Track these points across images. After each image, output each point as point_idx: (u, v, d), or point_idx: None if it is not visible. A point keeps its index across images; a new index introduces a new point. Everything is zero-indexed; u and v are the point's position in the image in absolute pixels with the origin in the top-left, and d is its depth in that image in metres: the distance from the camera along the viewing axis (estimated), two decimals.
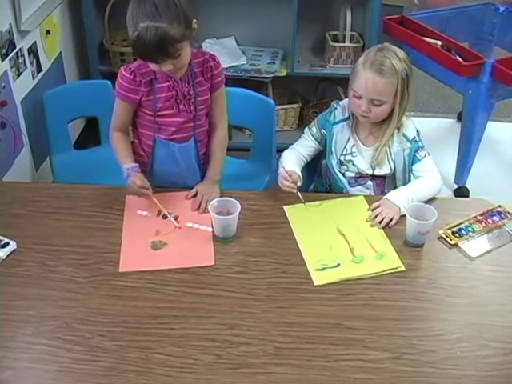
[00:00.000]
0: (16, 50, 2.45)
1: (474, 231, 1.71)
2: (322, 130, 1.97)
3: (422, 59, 2.93)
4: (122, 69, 1.76)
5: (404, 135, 1.89)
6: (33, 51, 2.62)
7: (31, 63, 2.61)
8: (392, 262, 1.61)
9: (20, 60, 2.49)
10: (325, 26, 3.32)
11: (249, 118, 2.34)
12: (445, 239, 1.69)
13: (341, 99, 2.02)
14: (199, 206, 1.79)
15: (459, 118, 3.67)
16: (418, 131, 1.91)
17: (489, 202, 1.83)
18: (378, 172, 1.93)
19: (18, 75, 2.49)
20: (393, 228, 1.73)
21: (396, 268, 1.59)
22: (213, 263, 1.60)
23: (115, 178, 1.81)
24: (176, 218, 1.75)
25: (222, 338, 1.39)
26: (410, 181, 1.93)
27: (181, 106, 1.78)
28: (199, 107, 1.81)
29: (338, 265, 1.60)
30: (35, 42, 2.63)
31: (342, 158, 1.94)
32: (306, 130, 2.03)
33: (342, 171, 1.96)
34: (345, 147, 1.94)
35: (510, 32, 3.35)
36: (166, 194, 1.85)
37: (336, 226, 1.74)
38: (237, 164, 2.39)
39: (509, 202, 1.84)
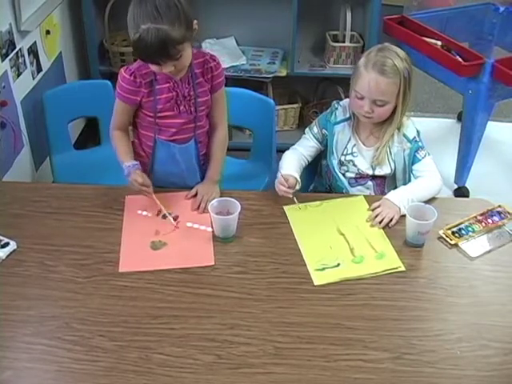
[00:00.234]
0: (16, 50, 2.45)
1: (473, 231, 1.71)
2: (323, 130, 1.97)
3: (421, 59, 2.93)
4: (122, 70, 1.76)
5: (404, 135, 1.89)
6: (33, 51, 2.62)
7: (31, 63, 2.61)
8: (392, 262, 1.61)
9: (20, 60, 2.49)
10: (325, 26, 3.32)
11: (249, 118, 2.34)
12: (445, 239, 1.69)
13: (341, 99, 2.02)
14: (199, 206, 1.79)
15: (459, 118, 3.67)
16: (418, 131, 1.91)
17: (489, 202, 1.83)
18: (378, 172, 1.93)
19: (18, 75, 2.49)
20: (393, 228, 1.73)
21: (396, 268, 1.59)
22: (213, 263, 1.60)
23: (115, 177, 1.81)
24: (176, 218, 1.75)
25: (222, 337, 1.39)
26: (410, 181, 1.93)
27: (181, 107, 1.78)
28: (199, 108, 1.81)
29: (338, 265, 1.60)
30: (35, 42, 2.64)
31: (342, 158, 1.94)
32: (307, 130, 2.03)
33: (343, 171, 1.96)
34: (346, 147, 1.94)
35: (510, 32, 3.35)
36: (166, 194, 1.84)
37: (336, 226, 1.74)
38: (237, 164, 2.39)
39: (509, 202, 1.84)
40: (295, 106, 3.45)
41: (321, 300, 1.50)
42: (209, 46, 3.24)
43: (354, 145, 1.93)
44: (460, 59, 2.84)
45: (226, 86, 1.87)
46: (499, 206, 1.80)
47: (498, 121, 3.70)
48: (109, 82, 2.47)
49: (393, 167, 1.92)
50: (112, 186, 1.88)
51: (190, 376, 1.30)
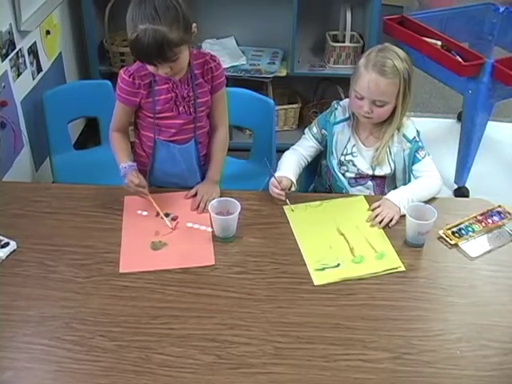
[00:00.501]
0: (16, 50, 2.45)
1: (473, 231, 1.71)
2: (323, 130, 1.97)
3: (421, 59, 2.93)
4: (121, 72, 1.76)
5: (404, 135, 1.89)
6: (33, 51, 2.62)
7: (31, 63, 2.61)
8: (392, 262, 1.61)
9: (20, 60, 2.49)
10: (325, 25, 3.32)
11: (249, 118, 2.34)
12: (445, 239, 1.69)
13: (341, 99, 2.02)
14: (198, 206, 1.79)
15: (459, 118, 3.67)
16: (417, 131, 1.91)
17: (489, 202, 1.83)
18: (378, 172, 1.93)
19: (18, 75, 2.49)
20: (393, 228, 1.73)
21: (396, 268, 1.59)
22: (213, 263, 1.60)
23: (115, 178, 1.81)
24: (175, 219, 1.75)
25: (222, 338, 1.39)
26: (409, 181, 1.93)
27: (180, 108, 1.78)
28: (199, 109, 1.81)
29: (338, 265, 1.60)
30: (35, 42, 2.64)
31: (342, 158, 1.94)
32: (307, 130, 2.03)
33: (342, 171, 1.96)
34: (345, 147, 1.94)
35: (510, 32, 3.35)
36: (166, 194, 1.85)
37: (336, 225, 1.74)
38: (237, 164, 2.39)
39: (509, 202, 1.84)
40: (295, 106, 3.45)
41: (321, 300, 1.50)
42: (209, 46, 3.24)
43: (354, 145, 1.93)
44: (460, 59, 2.84)
45: (226, 86, 1.87)
46: (499, 206, 1.80)
47: (498, 121, 3.70)
48: (109, 82, 2.46)
49: (393, 167, 1.92)
50: (112, 186, 1.88)
51: (189, 376, 1.30)
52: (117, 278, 1.55)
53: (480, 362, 1.35)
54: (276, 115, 3.14)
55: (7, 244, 1.62)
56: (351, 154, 1.93)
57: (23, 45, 2.52)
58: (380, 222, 1.74)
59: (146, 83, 1.74)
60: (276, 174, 1.84)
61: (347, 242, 1.68)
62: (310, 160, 2.02)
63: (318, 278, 1.56)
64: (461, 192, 3.11)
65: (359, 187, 1.96)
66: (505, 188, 3.13)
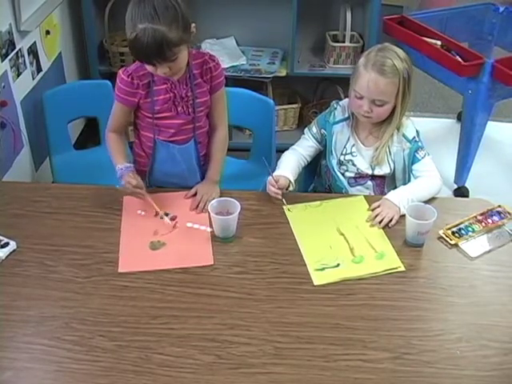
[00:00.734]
0: (16, 50, 2.45)
1: (473, 231, 1.71)
2: (322, 130, 1.97)
3: (421, 59, 2.93)
4: (120, 72, 1.76)
5: (404, 135, 1.89)
6: (33, 51, 2.62)
7: (31, 63, 2.61)
8: (392, 262, 1.61)
9: (20, 60, 2.49)
10: (325, 26, 3.32)
11: (249, 118, 2.34)
12: (445, 239, 1.69)
13: (340, 99, 2.02)
14: (197, 206, 1.79)
15: (459, 118, 3.67)
16: (417, 131, 1.91)
17: (489, 202, 1.83)
18: (377, 172, 1.93)
19: (18, 75, 2.49)
20: (393, 228, 1.73)
21: (396, 268, 1.59)
22: (211, 263, 1.60)
23: (115, 178, 1.81)
24: (174, 218, 1.75)
25: (222, 338, 1.39)
26: (409, 181, 1.93)
27: (179, 108, 1.78)
28: (198, 109, 1.80)
29: (338, 265, 1.60)
30: (35, 42, 2.64)
31: (341, 157, 1.94)
32: (306, 130, 2.03)
33: (342, 171, 1.96)
34: (345, 147, 1.94)
35: (510, 32, 3.35)
36: (165, 194, 1.85)
37: (336, 225, 1.74)
38: (237, 164, 2.39)
39: (509, 202, 1.84)
40: (295, 106, 3.45)
41: (320, 300, 1.50)
42: (209, 46, 3.24)
43: (353, 145, 1.93)
44: (460, 59, 2.84)
45: (225, 86, 1.87)
46: (499, 206, 1.80)
47: (498, 121, 3.70)
48: (109, 82, 2.46)
49: (392, 167, 1.92)
50: (112, 187, 1.87)
51: (189, 376, 1.30)
52: (116, 277, 1.55)
53: (480, 362, 1.35)
54: (276, 115, 3.14)
55: (7, 244, 1.62)
56: (351, 153, 1.93)
57: (23, 45, 2.52)
58: (380, 222, 1.74)
59: (145, 83, 1.74)
60: (274, 173, 1.84)
61: (347, 241, 1.68)
62: (309, 160, 2.02)
63: (318, 278, 1.56)
64: (461, 192, 3.11)
65: (359, 187, 1.96)
66: (505, 188, 3.13)
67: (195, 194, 1.83)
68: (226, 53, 3.23)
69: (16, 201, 1.81)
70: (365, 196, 1.88)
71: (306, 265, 1.60)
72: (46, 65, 2.78)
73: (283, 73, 3.22)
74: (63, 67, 3.02)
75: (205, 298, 1.49)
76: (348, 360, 1.34)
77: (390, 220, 1.74)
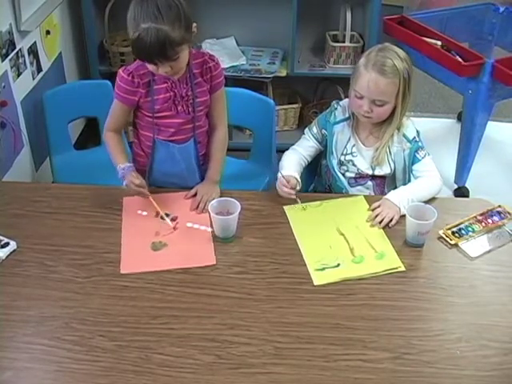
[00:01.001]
0: (16, 50, 2.45)
1: (473, 231, 1.71)
2: (323, 130, 1.97)
3: (421, 59, 2.93)
4: (120, 70, 1.76)
5: (404, 135, 1.89)
6: (33, 51, 2.62)
7: (31, 63, 2.61)
8: (392, 262, 1.61)
9: (20, 60, 2.49)
10: (325, 25, 3.32)
11: (249, 118, 2.34)
12: (445, 239, 1.69)
13: (341, 99, 2.02)
14: (198, 206, 1.79)
15: (459, 118, 3.67)
16: (417, 131, 1.91)
17: (489, 202, 1.83)
18: (377, 172, 1.93)
19: (18, 75, 2.49)
20: (393, 228, 1.73)
21: (396, 268, 1.59)
22: (213, 263, 1.60)
23: (115, 178, 1.81)
24: (175, 219, 1.75)
25: (222, 338, 1.39)
26: (409, 181, 1.93)
27: (179, 108, 1.78)
28: (198, 108, 1.81)
29: (338, 265, 1.60)
30: (35, 42, 2.64)
31: (342, 158, 1.94)
32: (307, 130, 2.03)
33: (342, 171, 1.96)
34: (345, 147, 1.94)
35: (510, 32, 3.35)
36: (166, 194, 1.85)
37: (336, 225, 1.74)
38: (237, 164, 2.39)
39: (509, 202, 1.84)
40: (295, 106, 3.45)
41: (320, 300, 1.50)
42: (209, 46, 3.24)
43: (354, 145, 1.93)
44: (460, 59, 2.84)
45: (225, 86, 1.87)
46: (499, 206, 1.80)
47: (498, 121, 3.70)
48: (109, 82, 2.46)
49: (392, 167, 1.92)
50: (112, 187, 1.87)
51: (189, 376, 1.30)
52: (116, 278, 1.55)
53: (480, 362, 1.35)
54: (276, 115, 3.14)
55: (7, 244, 1.62)
56: (351, 153, 1.93)
57: (23, 45, 2.52)
58: (380, 222, 1.74)
59: (145, 82, 1.74)
60: (283, 173, 1.84)
61: (347, 241, 1.68)
62: (309, 160, 2.02)
63: (318, 278, 1.56)
64: (461, 192, 3.11)
65: (359, 187, 1.96)
66: (505, 188, 3.13)
67: (195, 195, 1.84)
68: (225, 53, 3.23)
69: (16, 201, 1.81)
70: (365, 196, 1.88)
71: (306, 265, 1.60)
72: (46, 65, 2.78)
73: (283, 73, 3.22)
74: (63, 67, 3.02)
75: (205, 298, 1.49)
76: (348, 360, 1.34)
77: (390, 220, 1.74)
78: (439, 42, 2.97)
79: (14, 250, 1.62)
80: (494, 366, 1.34)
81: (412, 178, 1.93)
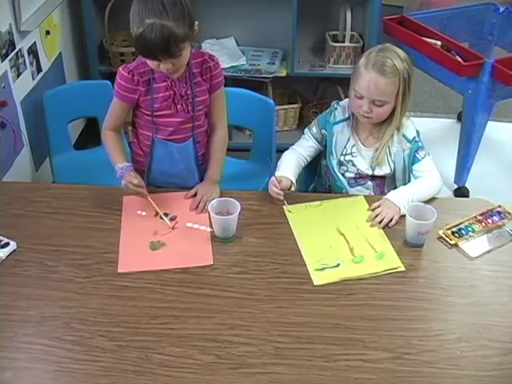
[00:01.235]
0: (16, 50, 2.45)
1: (473, 231, 1.71)
2: (323, 130, 1.97)
3: (421, 59, 2.93)
4: (120, 68, 1.76)
5: (404, 135, 1.89)
6: (33, 51, 2.62)
7: (31, 63, 2.61)
8: (392, 262, 1.61)
9: (20, 60, 2.49)
10: (325, 25, 3.32)
11: (249, 118, 2.34)
12: (445, 239, 1.69)
13: (341, 99, 2.02)
14: (197, 206, 1.79)
15: (459, 118, 3.67)
16: (417, 131, 1.91)
17: (489, 202, 1.83)
18: (377, 172, 1.93)
19: (18, 75, 2.49)
20: (393, 228, 1.73)
21: (396, 268, 1.59)
22: (211, 263, 1.60)
23: (115, 178, 1.81)
24: (174, 218, 1.74)
25: (222, 338, 1.39)
26: (409, 181, 1.93)
27: (178, 106, 1.78)
28: (197, 108, 1.81)
29: (338, 265, 1.60)
30: (35, 42, 2.64)
31: (341, 158, 1.94)
32: (306, 130, 2.03)
33: (342, 171, 1.96)
34: (345, 147, 1.94)
35: (510, 32, 3.35)
36: (165, 194, 1.85)
37: (336, 225, 1.74)
38: (237, 164, 2.39)
39: (509, 202, 1.84)
40: (295, 106, 3.45)
41: (320, 300, 1.50)
42: (209, 46, 3.24)
43: (354, 145, 1.93)
44: (460, 59, 2.84)
45: (225, 86, 1.88)
46: (499, 206, 1.80)
47: (498, 121, 3.70)
48: (109, 82, 2.46)
49: (392, 167, 1.92)
50: (112, 187, 1.87)
51: (189, 376, 1.30)
52: (116, 278, 1.55)
53: (480, 362, 1.35)
54: (276, 115, 3.14)
55: (7, 244, 1.62)
56: (351, 154, 1.93)
57: (23, 45, 2.52)
58: (380, 222, 1.74)
59: (145, 80, 1.74)
60: (276, 174, 1.84)
61: (347, 242, 1.68)
62: (309, 160, 2.02)
63: (318, 278, 1.56)
64: (461, 192, 3.11)
65: (359, 187, 1.96)
66: (505, 188, 3.13)
67: (195, 195, 1.84)
68: (225, 53, 3.23)
69: (16, 201, 1.81)
70: (365, 196, 1.88)
71: (305, 265, 1.60)
72: (46, 65, 2.78)
73: (283, 73, 3.22)
74: (63, 67, 3.02)
75: (205, 298, 1.49)
76: (348, 360, 1.34)
77: (390, 220, 1.74)
78: (439, 42, 2.97)
79: (14, 250, 1.62)
80: (494, 366, 1.34)
81: (412, 178, 1.93)
